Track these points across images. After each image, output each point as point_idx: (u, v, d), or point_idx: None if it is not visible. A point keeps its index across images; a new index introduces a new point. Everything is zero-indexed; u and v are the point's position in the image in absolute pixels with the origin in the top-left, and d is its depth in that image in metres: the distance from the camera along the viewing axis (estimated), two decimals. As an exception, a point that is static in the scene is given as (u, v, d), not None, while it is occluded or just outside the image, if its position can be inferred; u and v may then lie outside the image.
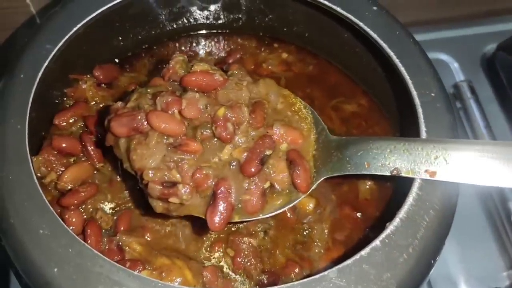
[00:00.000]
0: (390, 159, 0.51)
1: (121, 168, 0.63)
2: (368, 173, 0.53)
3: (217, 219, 0.50)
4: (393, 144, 0.52)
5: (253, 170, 0.52)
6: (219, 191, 0.50)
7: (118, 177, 0.63)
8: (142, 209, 0.61)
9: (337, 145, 0.56)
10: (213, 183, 0.51)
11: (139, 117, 0.50)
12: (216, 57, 0.75)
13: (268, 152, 0.53)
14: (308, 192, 0.55)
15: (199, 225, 0.59)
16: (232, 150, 0.52)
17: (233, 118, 0.52)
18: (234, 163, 0.52)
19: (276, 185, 0.54)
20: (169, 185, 0.49)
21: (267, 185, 0.53)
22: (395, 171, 0.51)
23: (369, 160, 0.52)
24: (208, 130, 0.52)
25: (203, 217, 0.51)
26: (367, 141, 0.54)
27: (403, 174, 0.51)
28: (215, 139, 0.52)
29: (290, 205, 0.54)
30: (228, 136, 0.51)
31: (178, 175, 0.50)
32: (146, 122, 0.50)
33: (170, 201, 0.50)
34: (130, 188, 0.62)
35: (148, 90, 0.54)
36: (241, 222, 0.59)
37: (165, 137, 0.51)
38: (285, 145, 0.55)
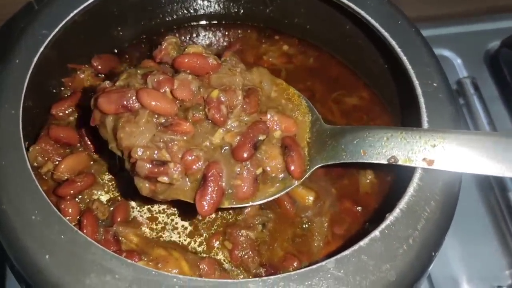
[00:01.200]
0: (387, 147, 0.51)
1: (119, 159, 0.62)
2: (364, 161, 0.52)
3: (206, 203, 0.49)
4: (390, 132, 0.51)
5: (245, 155, 0.50)
6: (209, 174, 0.49)
7: (115, 167, 0.62)
8: (138, 200, 0.60)
9: (332, 134, 0.55)
10: (204, 166, 0.50)
11: (129, 95, 0.49)
12: (216, 48, 0.74)
13: (261, 137, 0.52)
14: (302, 180, 0.54)
15: (186, 212, 0.58)
16: (224, 134, 0.51)
17: (227, 101, 0.51)
18: (226, 147, 0.51)
19: (269, 172, 0.53)
20: (159, 163, 0.48)
21: (259, 171, 0.52)
22: (392, 159, 0.50)
23: (365, 148, 0.52)
24: (200, 112, 0.51)
25: (192, 202, 0.50)
26: (363, 129, 0.53)
27: (400, 163, 0.50)
28: (207, 121, 0.51)
29: (282, 193, 0.53)
30: (222, 119, 0.50)
31: (167, 155, 0.49)
32: (136, 99, 0.49)
33: (159, 180, 0.48)
34: (128, 178, 0.62)
35: (138, 71, 0.53)
36: (230, 209, 0.58)
37: (156, 116, 0.50)
38: (279, 132, 0.54)
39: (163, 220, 0.60)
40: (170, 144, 0.49)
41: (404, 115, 0.65)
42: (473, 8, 1.03)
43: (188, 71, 0.52)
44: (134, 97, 0.49)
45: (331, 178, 0.63)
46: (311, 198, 0.62)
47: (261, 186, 0.53)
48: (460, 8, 1.03)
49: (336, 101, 0.70)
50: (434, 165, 0.49)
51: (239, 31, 0.76)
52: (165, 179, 0.48)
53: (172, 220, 0.60)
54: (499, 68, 0.94)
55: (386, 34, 0.58)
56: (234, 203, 0.52)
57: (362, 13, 0.60)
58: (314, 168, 0.55)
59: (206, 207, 0.49)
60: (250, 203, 0.53)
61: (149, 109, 0.49)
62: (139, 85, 0.51)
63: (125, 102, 0.49)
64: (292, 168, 0.52)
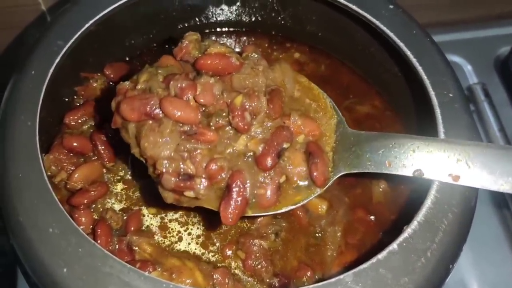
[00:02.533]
0: (414, 159, 0.50)
1: (132, 168, 0.62)
2: (388, 172, 0.51)
3: (231, 213, 0.48)
4: (416, 144, 0.50)
5: (269, 164, 0.50)
6: (233, 185, 0.49)
7: (128, 176, 0.62)
8: (154, 208, 0.60)
9: (357, 140, 0.54)
10: (228, 176, 0.49)
11: (152, 102, 0.48)
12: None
13: (285, 145, 0.51)
14: (325, 188, 0.53)
15: (211, 217, 0.58)
16: (248, 141, 0.50)
17: (251, 108, 0.50)
18: (249, 155, 0.50)
19: (292, 179, 0.52)
20: (185, 178, 0.47)
21: (283, 179, 0.51)
22: (417, 173, 0.50)
23: (390, 159, 0.51)
24: (223, 119, 0.50)
25: (215, 210, 0.50)
26: (389, 138, 0.52)
27: (426, 176, 0.49)
28: (230, 128, 0.50)
29: (305, 201, 0.53)
30: (246, 127, 0.49)
31: (192, 167, 0.48)
32: (159, 108, 0.48)
33: (185, 195, 0.48)
34: (141, 186, 0.62)
35: (159, 71, 0.51)
36: (253, 217, 0.58)
37: (180, 125, 0.49)
38: (302, 137, 0.53)
39: (176, 229, 0.60)
40: (193, 153, 0.48)
41: (418, 124, 0.65)
42: (483, 14, 1.02)
43: (210, 73, 0.51)
44: (157, 105, 0.48)
45: (344, 187, 0.63)
46: (324, 207, 0.61)
47: (284, 194, 0.52)
48: (470, 14, 1.02)
49: (348, 109, 0.70)
50: (459, 181, 0.48)
51: (250, 38, 0.76)
52: (191, 193, 0.48)
53: (186, 229, 0.60)
54: (509, 74, 0.93)
55: (401, 44, 0.58)
56: (257, 211, 0.51)
57: (377, 22, 0.60)
58: (337, 176, 0.54)
59: (230, 218, 0.48)
60: (273, 212, 0.52)
61: (172, 119, 0.48)
62: (161, 91, 0.49)
63: (148, 110, 0.48)
64: (316, 175, 0.52)
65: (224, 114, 0.50)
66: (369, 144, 0.53)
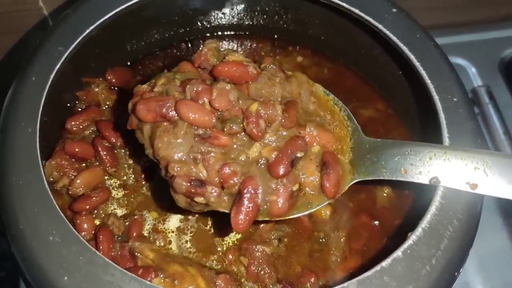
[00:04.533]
0: (430, 166, 0.49)
1: (135, 172, 0.62)
2: (404, 179, 0.50)
3: (241, 220, 0.48)
4: (433, 152, 0.49)
5: (282, 172, 0.49)
6: (245, 191, 0.48)
7: (131, 182, 0.62)
8: (156, 214, 0.60)
9: (372, 148, 0.53)
10: (240, 181, 0.49)
11: (169, 104, 0.48)
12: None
13: (299, 154, 0.50)
14: (335, 198, 0.53)
15: (220, 223, 0.58)
16: (262, 148, 0.50)
17: (266, 115, 0.49)
18: (263, 162, 0.50)
19: (303, 188, 0.51)
20: (197, 184, 0.47)
21: (295, 187, 0.51)
22: (434, 180, 0.49)
23: (406, 166, 0.50)
24: (238, 125, 0.49)
25: (227, 212, 0.49)
26: (405, 145, 0.51)
27: (442, 184, 0.49)
28: (244, 134, 0.50)
29: (313, 210, 0.52)
30: (260, 134, 0.49)
31: (204, 171, 0.48)
32: (175, 110, 0.48)
33: (196, 200, 0.48)
34: (143, 192, 0.62)
35: (177, 76, 0.51)
36: (264, 222, 0.58)
37: (195, 128, 0.48)
38: (318, 148, 0.52)
39: (179, 235, 0.59)
40: (207, 156, 0.48)
41: (422, 128, 0.64)
42: (487, 15, 1.02)
43: (227, 80, 0.51)
44: (173, 107, 0.48)
45: (347, 192, 0.61)
46: (328, 212, 0.61)
47: (295, 201, 0.51)
48: (474, 16, 1.02)
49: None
50: (477, 189, 0.47)
51: (253, 42, 0.76)
52: (201, 199, 0.48)
53: (189, 235, 0.59)
54: (514, 76, 0.93)
55: (404, 48, 0.57)
56: (267, 218, 0.51)
57: (380, 26, 0.59)
58: (352, 183, 0.53)
59: (241, 224, 0.48)
60: (282, 218, 0.51)
61: (187, 122, 0.48)
62: (178, 94, 0.49)
63: (164, 112, 0.48)
64: (327, 186, 0.51)
65: (238, 120, 0.50)
66: (385, 151, 0.52)
